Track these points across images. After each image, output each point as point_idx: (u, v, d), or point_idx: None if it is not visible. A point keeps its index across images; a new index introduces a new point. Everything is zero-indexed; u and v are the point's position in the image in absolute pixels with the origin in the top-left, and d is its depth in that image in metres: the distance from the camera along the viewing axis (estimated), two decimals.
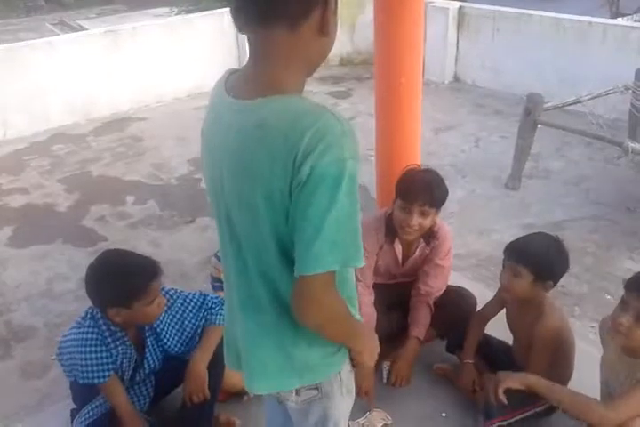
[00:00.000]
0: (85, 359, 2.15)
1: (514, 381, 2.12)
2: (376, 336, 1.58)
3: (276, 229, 1.28)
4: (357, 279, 2.48)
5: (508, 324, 2.58)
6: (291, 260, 1.28)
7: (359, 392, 2.51)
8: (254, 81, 1.29)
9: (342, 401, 1.56)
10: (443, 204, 2.55)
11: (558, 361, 2.39)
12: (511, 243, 2.40)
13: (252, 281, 1.39)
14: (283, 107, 1.23)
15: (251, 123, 1.24)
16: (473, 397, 2.57)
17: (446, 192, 2.53)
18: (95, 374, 2.17)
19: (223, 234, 1.44)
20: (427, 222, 2.51)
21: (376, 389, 2.56)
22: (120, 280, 2.09)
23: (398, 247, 2.66)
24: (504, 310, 2.60)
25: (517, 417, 2.41)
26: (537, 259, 2.30)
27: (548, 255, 2.31)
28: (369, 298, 2.65)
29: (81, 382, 2.19)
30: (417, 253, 2.68)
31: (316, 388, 1.48)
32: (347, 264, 1.28)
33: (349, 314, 1.40)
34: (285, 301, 1.35)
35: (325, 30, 1.28)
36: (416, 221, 2.47)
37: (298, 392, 1.48)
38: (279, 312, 1.38)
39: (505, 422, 2.39)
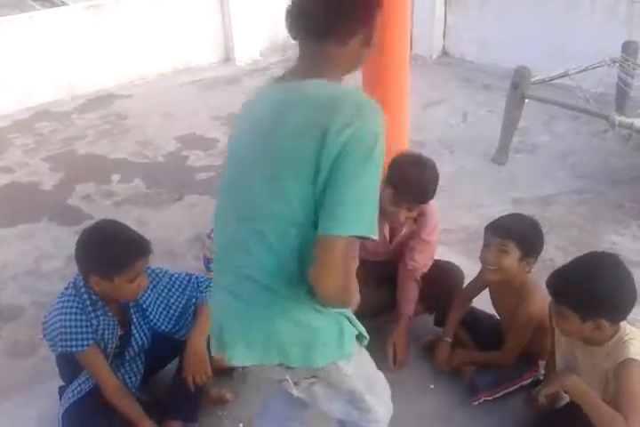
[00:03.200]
0: (64, 327, 2.12)
1: (554, 386, 2.04)
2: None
3: (301, 189, 1.35)
4: None
5: (492, 304, 2.61)
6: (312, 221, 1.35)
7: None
8: (303, 73, 1.49)
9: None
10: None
11: (536, 337, 2.43)
12: (495, 221, 2.42)
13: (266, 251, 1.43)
14: (326, 86, 1.45)
15: (296, 94, 1.45)
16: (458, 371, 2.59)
17: (437, 184, 2.52)
18: (74, 343, 2.13)
19: (231, 206, 1.52)
20: (414, 214, 2.55)
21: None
22: (108, 250, 2.08)
23: (384, 223, 2.65)
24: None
25: (503, 392, 2.46)
26: (524, 235, 2.34)
27: (532, 232, 2.36)
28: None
29: (60, 350, 2.16)
30: (404, 229, 2.68)
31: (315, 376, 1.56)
32: (368, 232, 1.31)
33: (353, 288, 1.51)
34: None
35: (370, 44, 1.53)
36: (404, 215, 2.51)
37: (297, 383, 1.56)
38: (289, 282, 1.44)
39: (490, 398, 2.45)
